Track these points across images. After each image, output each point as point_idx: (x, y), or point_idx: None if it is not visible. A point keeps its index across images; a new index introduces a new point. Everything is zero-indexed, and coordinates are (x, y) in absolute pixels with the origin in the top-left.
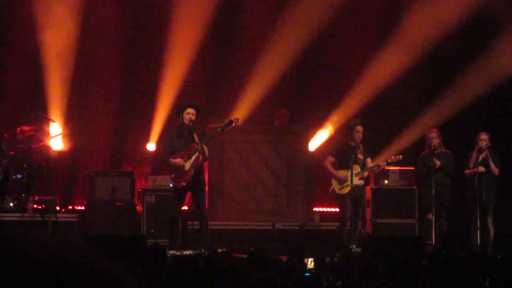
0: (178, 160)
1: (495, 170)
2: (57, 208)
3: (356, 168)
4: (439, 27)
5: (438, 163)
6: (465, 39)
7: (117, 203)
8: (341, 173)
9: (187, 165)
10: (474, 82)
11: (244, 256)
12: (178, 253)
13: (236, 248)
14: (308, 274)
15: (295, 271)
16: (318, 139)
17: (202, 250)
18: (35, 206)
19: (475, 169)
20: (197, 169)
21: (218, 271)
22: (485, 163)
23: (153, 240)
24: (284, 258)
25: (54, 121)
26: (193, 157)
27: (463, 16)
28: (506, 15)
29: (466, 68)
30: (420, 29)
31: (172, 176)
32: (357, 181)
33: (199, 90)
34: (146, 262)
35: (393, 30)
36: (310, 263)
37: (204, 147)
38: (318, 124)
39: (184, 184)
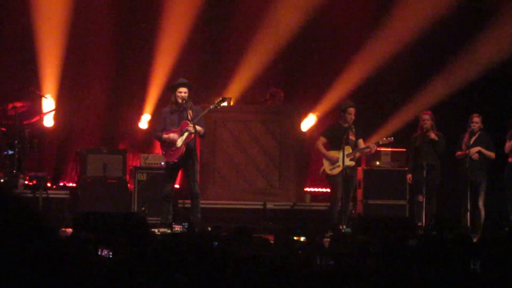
0: (172, 135)
1: (490, 155)
2: (48, 184)
3: (348, 149)
4: (434, 9)
5: (433, 136)
6: (459, 22)
7: (108, 181)
8: (333, 154)
9: (180, 142)
10: (467, 64)
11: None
12: (169, 231)
13: (226, 227)
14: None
15: (284, 248)
16: (310, 120)
17: (193, 227)
18: (26, 182)
19: (467, 151)
20: (189, 146)
21: (207, 249)
22: (477, 145)
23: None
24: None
25: (46, 97)
26: (186, 134)
27: None
28: None
29: (460, 50)
30: (414, 11)
31: (164, 152)
32: (348, 162)
33: (192, 69)
34: (133, 239)
35: (387, 12)
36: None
37: (198, 127)
38: (311, 104)
39: (176, 160)
